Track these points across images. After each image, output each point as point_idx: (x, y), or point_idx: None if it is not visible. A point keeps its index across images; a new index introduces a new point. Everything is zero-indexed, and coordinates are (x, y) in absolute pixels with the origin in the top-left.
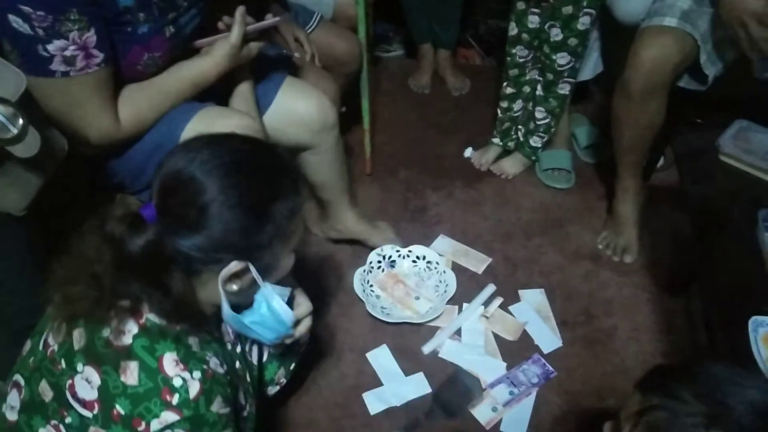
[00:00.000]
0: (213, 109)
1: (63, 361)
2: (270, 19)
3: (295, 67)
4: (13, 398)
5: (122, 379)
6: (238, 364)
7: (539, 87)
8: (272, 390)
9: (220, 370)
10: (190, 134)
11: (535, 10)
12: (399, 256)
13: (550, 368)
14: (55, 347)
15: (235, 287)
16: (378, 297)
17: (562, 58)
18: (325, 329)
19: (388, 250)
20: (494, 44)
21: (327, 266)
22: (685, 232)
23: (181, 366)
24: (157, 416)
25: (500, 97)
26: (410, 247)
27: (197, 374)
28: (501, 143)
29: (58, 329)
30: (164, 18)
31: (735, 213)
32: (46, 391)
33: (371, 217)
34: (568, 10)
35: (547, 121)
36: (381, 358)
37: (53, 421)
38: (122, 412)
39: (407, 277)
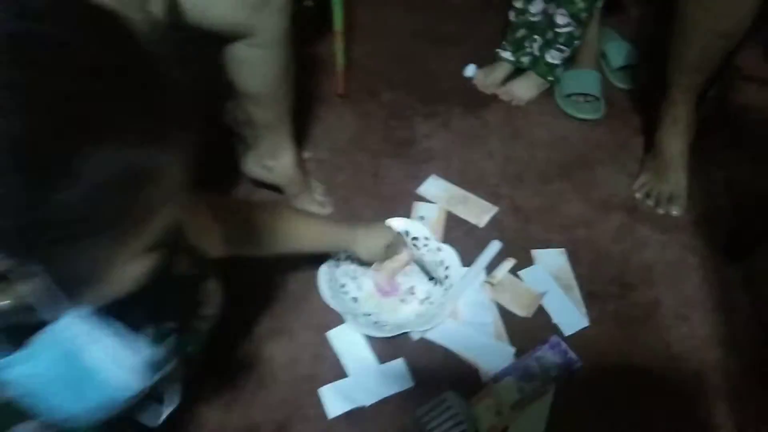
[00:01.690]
0: None
1: None
2: None
3: None
4: None
5: None
6: None
7: None
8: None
9: None
10: None
11: None
12: None
13: (574, 356)
14: None
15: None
16: (355, 299)
17: None
18: (271, 300)
19: None
20: None
21: None
22: (743, 177)
23: None
24: None
25: None
26: (385, 222)
27: None
28: (512, 58)
29: None
30: None
31: None
32: None
33: (307, 171)
34: None
35: (570, 29)
36: (347, 338)
37: None
38: None
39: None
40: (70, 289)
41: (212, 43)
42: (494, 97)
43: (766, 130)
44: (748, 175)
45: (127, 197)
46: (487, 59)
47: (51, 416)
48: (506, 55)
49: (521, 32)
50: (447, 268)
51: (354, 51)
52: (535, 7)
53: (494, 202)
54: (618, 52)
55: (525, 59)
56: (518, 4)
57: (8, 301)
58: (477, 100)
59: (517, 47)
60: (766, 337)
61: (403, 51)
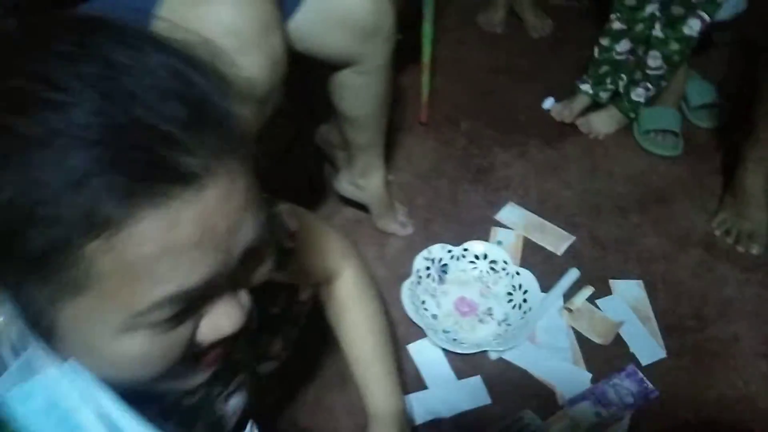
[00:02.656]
0: None
1: None
2: None
3: None
4: None
5: None
6: None
7: (658, 25)
8: (266, 367)
9: None
10: (170, 10)
11: None
12: (452, 257)
13: (650, 386)
14: None
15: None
16: (435, 317)
17: None
18: None
19: (438, 251)
20: None
21: (362, 232)
22: None
23: None
24: None
25: (602, 33)
26: (465, 244)
27: None
28: (592, 92)
29: None
30: None
31: None
32: None
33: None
34: None
35: (660, 72)
36: (427, 353)
37: None
38: None
39: (466, 286)
40: (42, 335)
41: (317, 70)
42: (572, 130)
43: None
44: None
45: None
46: (564, 94)
47: None
48: (585, 87)
49: (604, 68)
50: (525, 292)
51: (436, 82)
52: (622, 47)
53: (571, 232)
54: (699, 91)
55: (604, 94)
56: (605, 42)
57: None
58: (555, 132)
59: (598, 82)
60: None
61: (483, 83)
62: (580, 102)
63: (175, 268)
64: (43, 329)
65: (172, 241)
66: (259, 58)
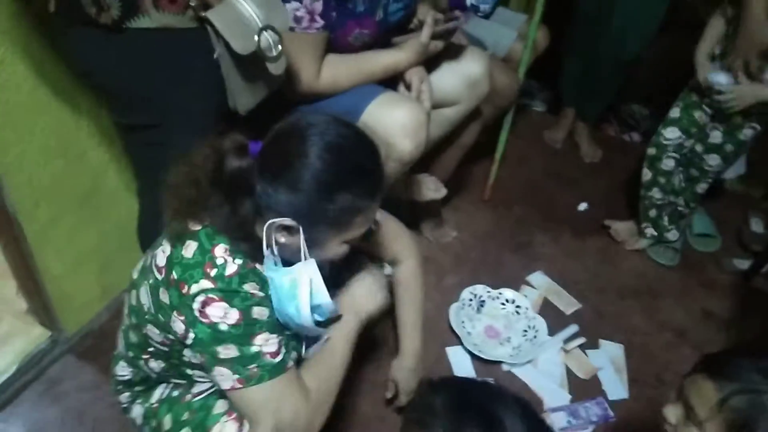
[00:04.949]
0: (393, 94)
1: (160, 240)
2: (454, 22)
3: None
4: (139, 263)
5: (182, 252)
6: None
7: (681, 177)
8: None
9: (263, 277)
10: (371, 111)
11: (708, 110)
12: (489, 297)
13: (611, 413)
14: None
15: (281, 239)
16: (469, 333)
17: (713, 160)
18: None
19: (480, 290)
20: (631, 125)
21: (429, 266)
22: None
23: (228, 254)
24: (196, 282)
25: (642, 185)
26: (500, 290)
27: (238, 261)
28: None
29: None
30: (377, 3)
31: None
32: (146, 260)
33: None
34: (736, 119)
35: (681, 209)
36: (459, 356)
37: (146, 281)
38: (175, 277)
39: (495, 319)
40: (310, 248)
41: None
42: (597, 230)
43: None
44: None
45: (350, 216)
46: (596, 202)
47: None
48: (649, 231)
49: (653, 212)
50: (537, 331)
51: (502, 173)
52: (657, 194)
53: (579, 301)
54: (700, 222)
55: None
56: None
57: (283, 242)
58: (584, 229)
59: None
60: None
61: (536, 182)
62: (630, 231)
63: (361, 228)
64: (314, 244)
65: (365, 220)
66: (413, 143)
